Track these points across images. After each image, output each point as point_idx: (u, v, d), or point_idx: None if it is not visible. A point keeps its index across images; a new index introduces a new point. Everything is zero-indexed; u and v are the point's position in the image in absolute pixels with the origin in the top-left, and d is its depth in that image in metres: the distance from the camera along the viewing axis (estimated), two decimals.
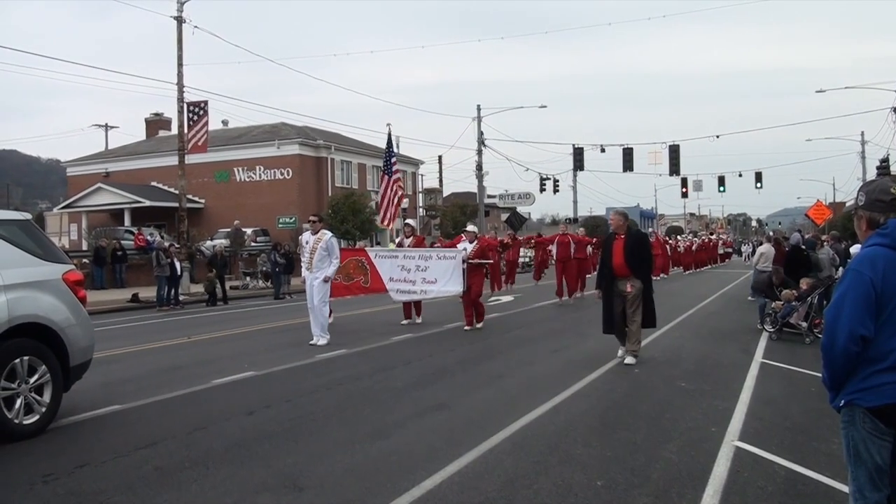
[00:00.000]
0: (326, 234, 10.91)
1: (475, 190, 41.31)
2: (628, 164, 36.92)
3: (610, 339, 9.13)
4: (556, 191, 44.10)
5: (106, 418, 6.31)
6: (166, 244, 21.30)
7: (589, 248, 19.47)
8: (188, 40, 33.74)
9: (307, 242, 10.92)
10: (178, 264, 19.55)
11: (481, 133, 38.36)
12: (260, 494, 4.30)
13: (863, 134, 42.82)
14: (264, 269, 25.81)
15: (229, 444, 5.34)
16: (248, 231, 33.37)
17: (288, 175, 37.56)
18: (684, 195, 47.72)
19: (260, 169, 38.32)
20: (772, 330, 11.16)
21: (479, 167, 38.75)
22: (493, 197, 49.77)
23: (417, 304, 13.35)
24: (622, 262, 8.63)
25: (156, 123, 46.03)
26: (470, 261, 12.36)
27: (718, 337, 11.29)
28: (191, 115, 24.21)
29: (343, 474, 4.66)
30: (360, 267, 12.97)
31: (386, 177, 16.25)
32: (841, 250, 15.05)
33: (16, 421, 5.54)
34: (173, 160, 26.98)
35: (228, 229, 32.27)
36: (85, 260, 25.45)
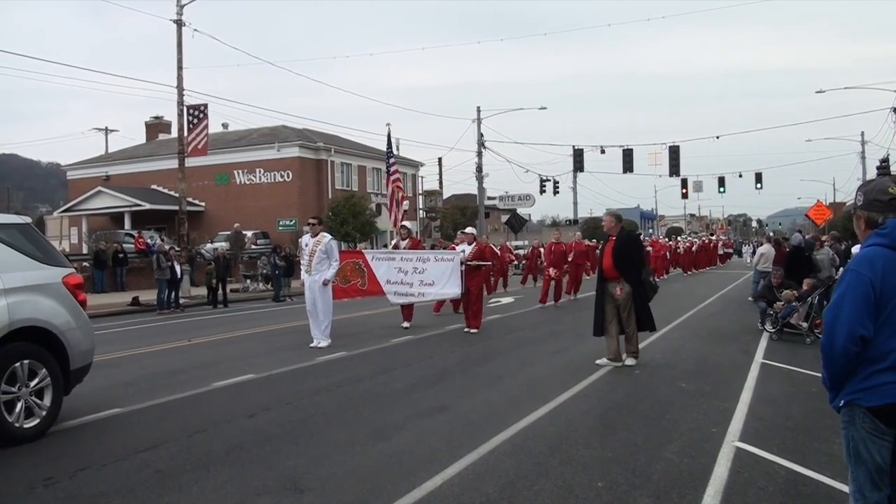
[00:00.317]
0: (326, 237, 10.92)
1: (475, 192, 41.36)
2: (628, 165, 36.96)
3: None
4: (556, 192, 44.24)
5: (106, 422, 6.31)
6: (167, 247, 21.28)
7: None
8: (188, 43, 33.85)
9: (306, 245, 10.97)
10: (178, 267, 19.57)
11: (481, 135, 38.43)
12: (261, 497, 4.30)
13: (863, 134, 42.91)
14: (264, 271, 25.82)
15: (230, 447, 5.34)
16: (249, 234, 33.35)
17: (288, 177, 37.60)
18: (684, 196, 47.77)
19: (260, 171, 38.35)
20: (772, 330, 11.17)
21: (479, 169, 38.78)
22: (494, 198, 49.83)
23: (409, 308, 12.89)
24: (611, 264, 8.58)
25: (156, 127, 46.17)
26: (468, 262, 12.30)
27: (719, 337, 11.29)
28: (191, 118, 24.26)
29: (344, 476, 4.66)
30: (357, 269, 12.79)
31: (389, 179, 16.32)
32: (841, 251, 15.04)
33: (16, 425, 5.53)
34: (173, 163, 27.05)
35: (228, 232, 32.29)
36: (85, 263, 25.50)
